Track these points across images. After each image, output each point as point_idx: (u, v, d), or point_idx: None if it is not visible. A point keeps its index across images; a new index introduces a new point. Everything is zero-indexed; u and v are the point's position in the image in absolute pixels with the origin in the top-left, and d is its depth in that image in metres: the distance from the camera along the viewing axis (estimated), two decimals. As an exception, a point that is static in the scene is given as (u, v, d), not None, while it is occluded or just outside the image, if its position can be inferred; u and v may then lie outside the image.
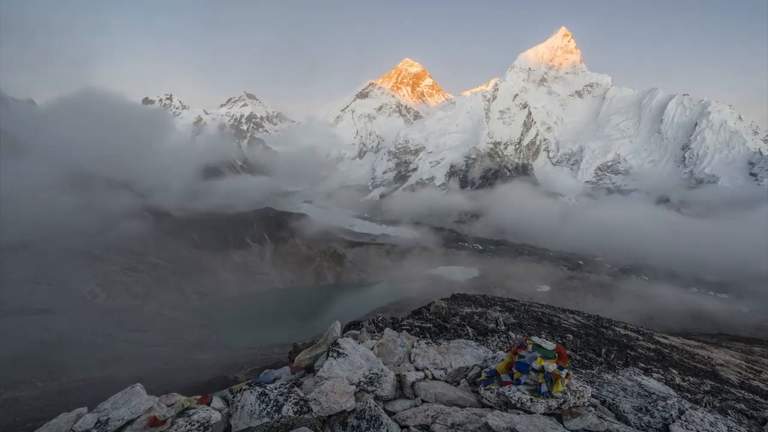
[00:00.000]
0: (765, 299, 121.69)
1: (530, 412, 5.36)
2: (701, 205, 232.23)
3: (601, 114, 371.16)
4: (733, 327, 74.71)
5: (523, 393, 5.55)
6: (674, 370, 16.50)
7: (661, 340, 26.68)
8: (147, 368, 40.87)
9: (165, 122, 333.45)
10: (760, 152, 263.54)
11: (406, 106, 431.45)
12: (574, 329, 22.50)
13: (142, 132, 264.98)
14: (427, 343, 7.76)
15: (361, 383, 6.08)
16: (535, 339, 6.28)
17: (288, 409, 5.34)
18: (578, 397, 5.55)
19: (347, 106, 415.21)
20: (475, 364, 6.89)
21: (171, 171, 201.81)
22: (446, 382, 6.61)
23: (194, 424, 5.26)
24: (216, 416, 5.47)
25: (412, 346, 7.55)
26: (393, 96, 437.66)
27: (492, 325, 16.01)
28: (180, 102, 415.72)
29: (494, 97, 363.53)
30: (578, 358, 13.74)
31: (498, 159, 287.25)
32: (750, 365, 23.96)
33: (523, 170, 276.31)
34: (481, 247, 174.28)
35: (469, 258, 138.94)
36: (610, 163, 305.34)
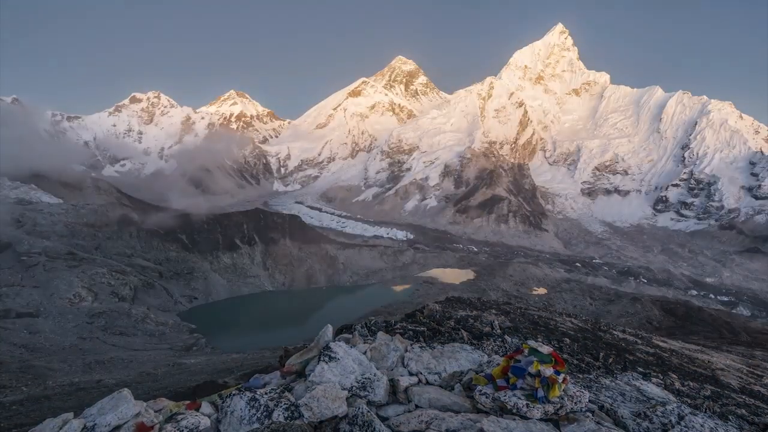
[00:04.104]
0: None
1: (526, 418, 5.30)
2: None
3: (598, 113, 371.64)
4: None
5: (519, 398, 5.49)
6: (674, 375, 16.54)
7: (660, 344, 26.85)
8: (134, 373, 40.24)
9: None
10: (762, 152, 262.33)
11: (399, 105, 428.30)
12: (572, 333, 22.55)
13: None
14: (420, 347, 7.69)
15: (354, 388, 6.00)
16: (531, 343, 6.22)
17: (279, 415, 5.25)
18: (575, 403, 5.51)
19: (339, 105, 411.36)
20: (470, 369, 6.83)
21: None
22: (440, 387, 6.54)
23: (183, 430, 5.21)
24: (205, 422, 5.39)
25: (406, 350, 7.48)
26: (386, 94, 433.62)
27: (487, 329, 15.98)
28: (168, 101, 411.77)
29: (489, 96, 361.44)
30: (575, 362, 13.71)
31: (494, 159, 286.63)
32: (751, 370, 24.15)
33: (519, 170, 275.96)
34: (476, 249, 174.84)
35: (463, 260, 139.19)
36: (608, 163, 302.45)
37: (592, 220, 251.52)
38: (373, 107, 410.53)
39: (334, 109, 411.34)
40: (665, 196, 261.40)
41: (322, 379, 5.96)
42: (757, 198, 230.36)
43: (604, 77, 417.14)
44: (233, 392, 5.68)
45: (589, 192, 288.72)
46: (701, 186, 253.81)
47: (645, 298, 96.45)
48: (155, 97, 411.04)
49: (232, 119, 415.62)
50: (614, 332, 26.66)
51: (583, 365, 13.70)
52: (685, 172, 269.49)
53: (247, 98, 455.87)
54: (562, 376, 5.70)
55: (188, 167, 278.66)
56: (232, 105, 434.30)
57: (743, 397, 15.49)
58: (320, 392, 5.44)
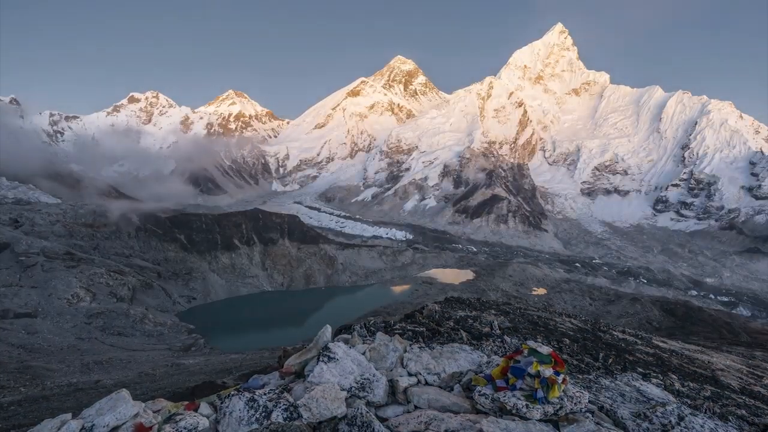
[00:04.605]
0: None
1: (526, 419, 5.29)
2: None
3: (598, 112, 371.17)
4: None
5: (519, 399, 5.48)
6: (673, 375, 16.51)
7: (660, 344, 26.80)
8: (133, 373, 40.15)
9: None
10: (762, 152, 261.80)
11: (398, 105, 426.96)
12: (571, 333, 22.52)
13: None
14: (420, 348, 7.67)
15: (353, 389, 5.99)
16: (531, 343, 6.21)
17: (277, 416, 5.23)
18: (575, 403, 5.50)
19: (338, 105, 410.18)
20: (470, 369, 6.81)
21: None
22: (440, 387, 6.52)
23: (181, 431, 5.17)
24: (203, 423, 5.37)
25: (405, 351, 7.46)
26: (385, 94, 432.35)
27: (486, 329, 15.97)
28: (167, 100, 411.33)
29: (489, 96, 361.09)
30: (575, 362, 13.69)
31: (493, 159, 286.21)
32: (751, 370, 24.10)
33: (518, 170, 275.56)
34: (475, 249, 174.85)
35: (463, 260, 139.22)
36: (607, 163, 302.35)
37: (592, 220, 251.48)
38: (372, 107, 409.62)
39: (333, 108, 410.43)
40: (665, 196, 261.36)
41: (321, 379, 5.95)
42: (757, 198, 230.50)
43: (603, 77, 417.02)
44: (232, 393, 5.66)
45: (589, 192, 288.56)
46: (701, 186, 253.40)
47: (645, 298, 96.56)
48: (153, 97, 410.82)
49: (231, 119, 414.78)
50: (614, 333, 26.59)
51: (583, 366, 13.68)
52: (685, 172, 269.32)
53: (245, 98, 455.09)
54: (561, 376, 5.69)
55: (187, 167, 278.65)
56: (231, 105, 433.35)
57: (743, 397, 15.47)
58: (319, 393, 5.43)
